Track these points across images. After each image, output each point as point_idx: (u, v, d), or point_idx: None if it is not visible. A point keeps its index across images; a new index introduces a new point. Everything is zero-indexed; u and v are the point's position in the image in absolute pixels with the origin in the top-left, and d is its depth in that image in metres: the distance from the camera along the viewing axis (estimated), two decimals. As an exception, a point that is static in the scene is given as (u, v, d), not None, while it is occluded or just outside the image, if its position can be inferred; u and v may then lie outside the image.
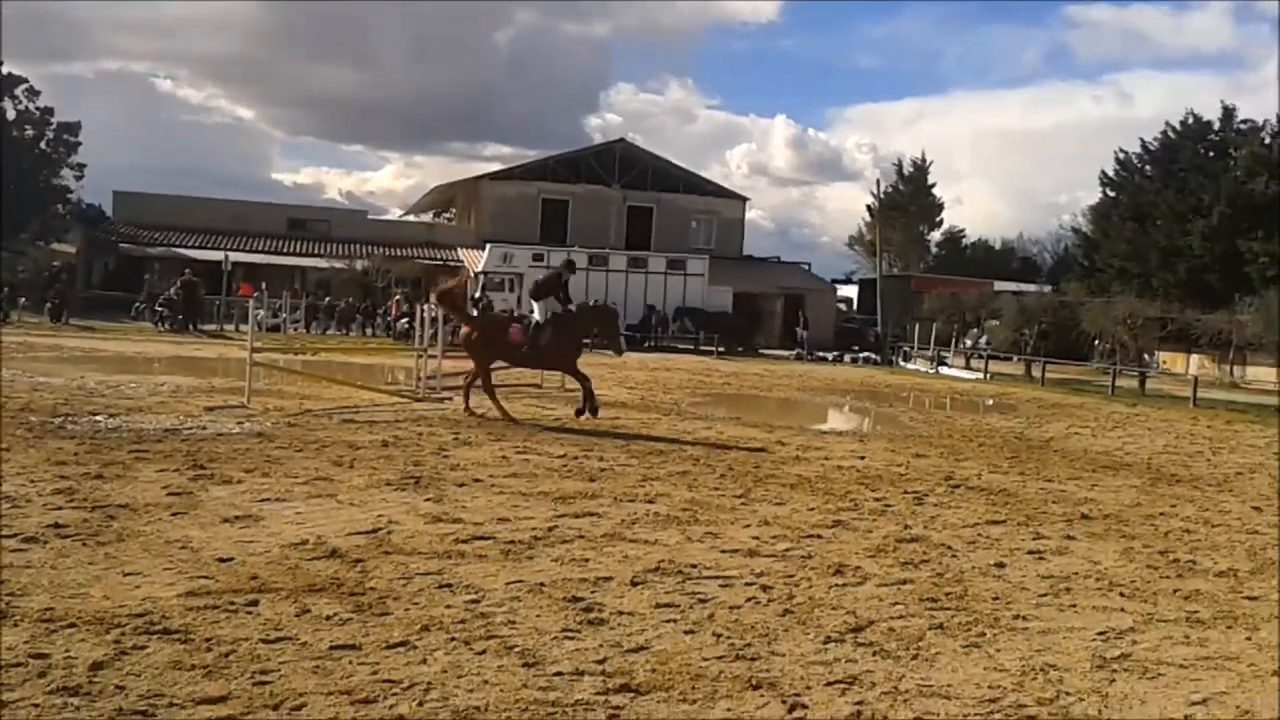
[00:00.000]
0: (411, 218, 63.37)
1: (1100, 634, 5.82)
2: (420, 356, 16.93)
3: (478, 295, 38.89)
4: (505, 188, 50.78)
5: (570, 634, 5.24)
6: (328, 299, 39.45)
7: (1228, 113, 53.33)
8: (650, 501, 8.78)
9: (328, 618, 5.22)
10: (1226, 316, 34.53)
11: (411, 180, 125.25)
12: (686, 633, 5.40)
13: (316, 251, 46.28)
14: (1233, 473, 13.24)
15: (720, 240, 51.80)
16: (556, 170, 51.23)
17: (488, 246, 42.58)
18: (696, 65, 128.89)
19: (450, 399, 15.47)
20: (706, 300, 41.61)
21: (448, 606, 5.54)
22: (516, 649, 4.95)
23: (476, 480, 9.25)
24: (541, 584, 6.07)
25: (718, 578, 6.49)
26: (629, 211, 51.19)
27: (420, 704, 4.26)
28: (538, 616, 5.48)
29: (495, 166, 60.53)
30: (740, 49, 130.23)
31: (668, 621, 5.56)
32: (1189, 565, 7.72)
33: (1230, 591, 7.00)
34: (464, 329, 14.79)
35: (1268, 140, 50.56)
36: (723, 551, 7.18)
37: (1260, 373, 36.11)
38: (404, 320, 31.96)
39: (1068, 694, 4.85)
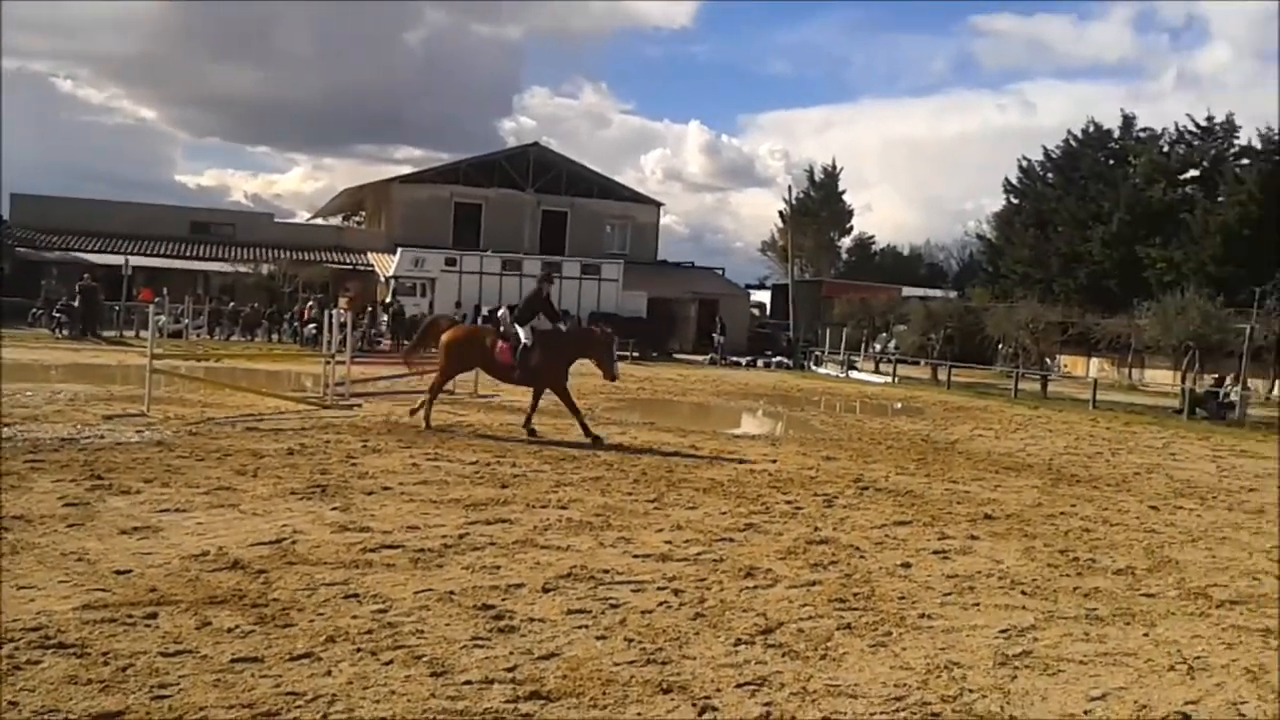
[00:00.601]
0: (320, 221, 62.33)
1: (1003, 631, 5.95)
2: (328, 363, 16.63)
3: (388, 300, 38.40)
4: (417, 191, 50.20)
5: (480, 642, 5.19)
6: (232, 304, 38.46)
7: (1127, 121, 55.29)
8: (563, 507, 8.75)
9: (229, 630, 5.09)
10: (1125, 321, 35.65)
11: (320, 183, 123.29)
12: (598, 638, 5.38)
13: (221, 255, 45.16)
14: (1130, 473, 13.67)
15: (635, 245, 51.92)
16: (469, 174, 50.81)
17: (399, 250, 42.09)
18: (610, 69, 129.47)
19: (360, 405, 15.22)
20: (621, 305, 41.68)
21: (354, 617, 5.44)
22: (425, 658, 4.89)
23: (385, 488, 9.11)
24: (451, 592, 6.00)
25: (630, 582, 6.48)
26: (543, 216, 51.01)
27: (324, 716, 4.18)
28: (447, 625, 5.42)
29: (407, 169, 60.13)
30: (654, 54, 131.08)
31: (579, 627, 5.54)
32: (1088, 563, 7.94)
33: (1128, 589, 7.21)
34: (445, 334, 13.93)
35: (1165, 148, 52.48)
36: (635, 556, 7.18)
37: (1157, 375, 37.40)
38: (311, 326, 31.34)
39: (971, 691, 4.95)
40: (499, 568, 6.65)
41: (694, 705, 4.56)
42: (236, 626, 5.14)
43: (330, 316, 17.37)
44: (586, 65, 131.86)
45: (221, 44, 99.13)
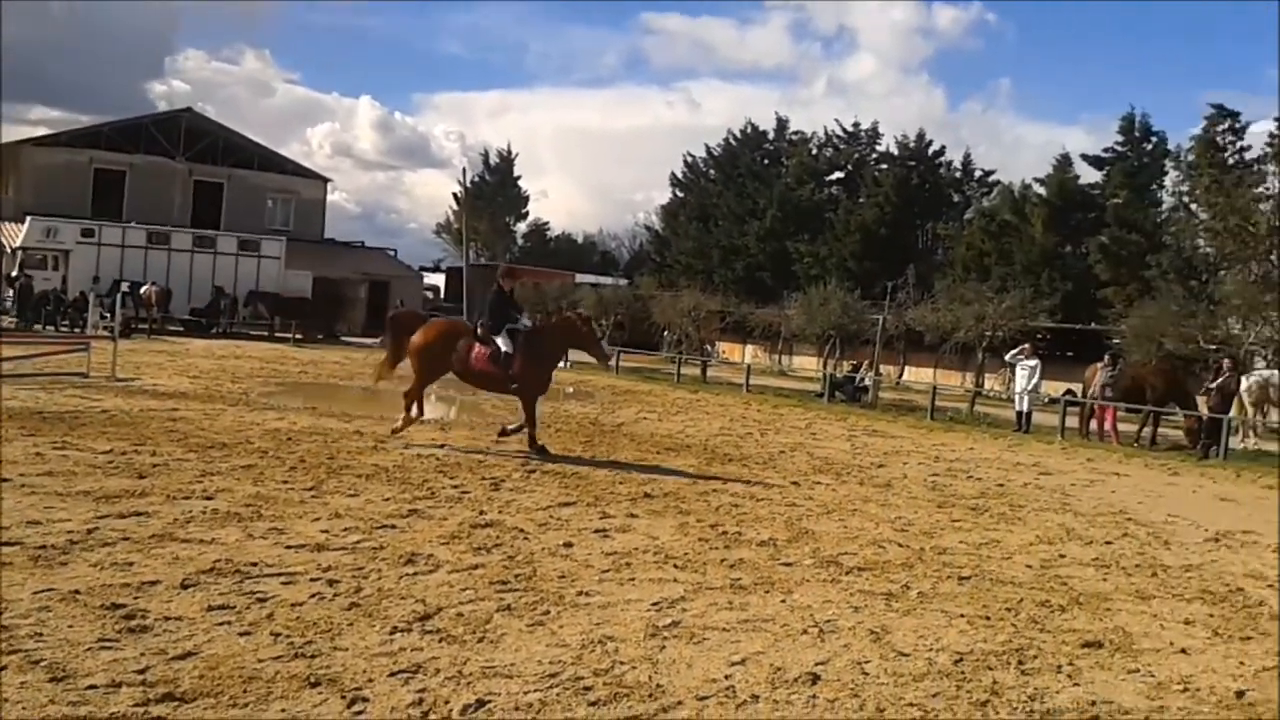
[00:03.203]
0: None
1: (655, 604, 6.18)
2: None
3: (14, 274, 34.53)
4: (51, 155, 45.31)
5: (107, 644, 4.79)
6: None
7: (781, 124, 59.36)
8: (209, 498, 8.20)
9: None
10: (776, 311, 38.25)
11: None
12: (241, 634, 5.09)
13: None
14: (777, 452, 14.64)
15: (299, 221, 49.44)
16: (112, 138, 46.49)
17: (28, 219, 37.83)
18: (274, 37, 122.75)
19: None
20: (283, 284, 39.41)
21: (-46, 625, 4.82)
22: (43, 663, 4.47)
23: (4, 480, 8.16)
24: (76, 591, 5.49)
25: (280, 575, 6.17)
26: (196, 186, 47.52)
27: (-94, 742, 3.66)
28: (70, 627, 4.96)
29: (41, 131, 54.09)
30: (322, 23, 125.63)
31: (221, 624, 5.22)
32: (735, 536, 8.41)
33: (770, 559, 7.70)
34: (416, 336, 12.53)
35: (814, 151, 56.79)
36: (288, 547, 6.85)
37: (804, 361, 40.44)
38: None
39: (622, 663, 5.09)
40: (132, 564, 6.14)
41: (343, 698, 4.40)
42: None
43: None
44: (247, 30, 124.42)
45: None
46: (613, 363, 33.61)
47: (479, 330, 12.22)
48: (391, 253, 53.27)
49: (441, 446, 12.16)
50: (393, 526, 7.74)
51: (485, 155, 73.28)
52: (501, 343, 11.94)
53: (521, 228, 74.44)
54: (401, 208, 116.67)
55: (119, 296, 24.22)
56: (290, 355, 28.48)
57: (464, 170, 58.17)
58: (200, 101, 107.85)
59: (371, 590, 6.00)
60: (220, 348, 28.67)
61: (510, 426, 12.43)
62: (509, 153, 72.84)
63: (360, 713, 4.29)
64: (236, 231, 42.01)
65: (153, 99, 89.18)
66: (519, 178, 73.17)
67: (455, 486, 9.61)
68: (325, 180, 53.42)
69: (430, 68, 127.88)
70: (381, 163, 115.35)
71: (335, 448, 11.35)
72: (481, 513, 8.52)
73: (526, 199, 73.97)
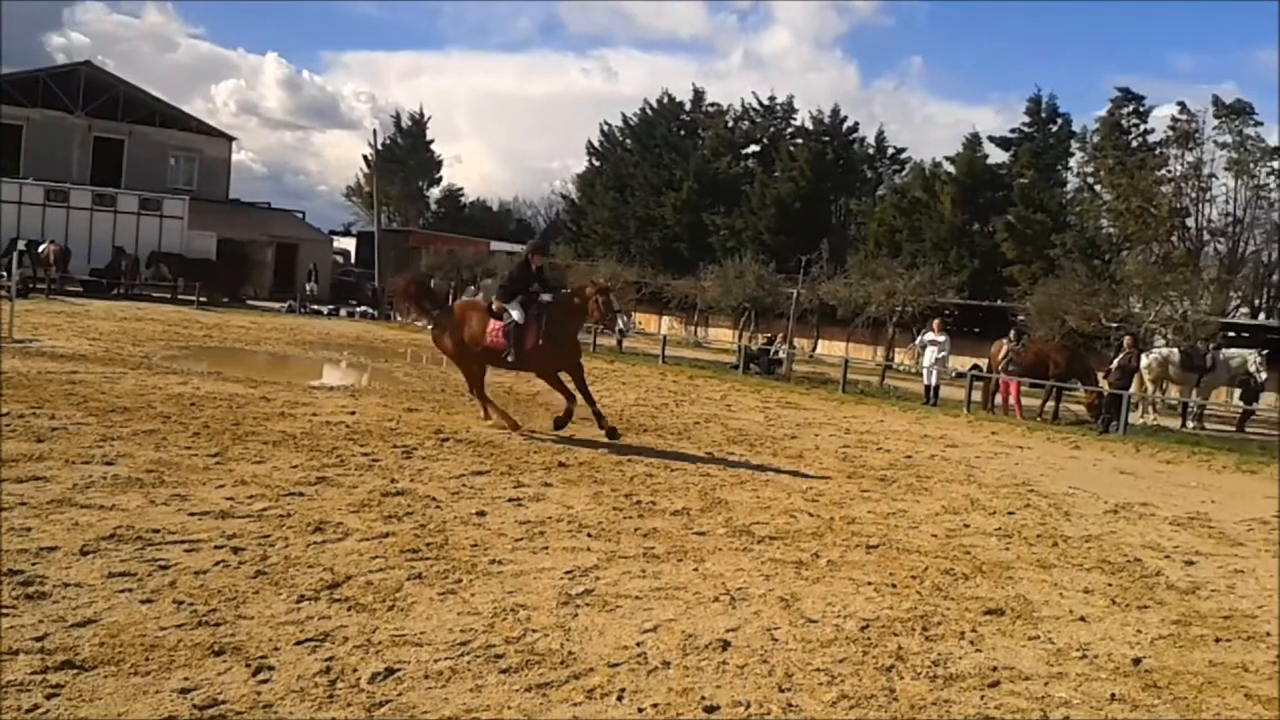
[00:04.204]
0: None
1: (568, 573, 6.17)
2: None
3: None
4: (-58, 107, 43.34)
5: (4, 610, 4.66)
6: None
7: (698, 95, 59.49)
8: (109, 463, 7.95)
9: None
10: (693, 282, 38.40)
11: None
12: (143, 602, 4.97)
13: None
14: (692, 423, 14.72)
15: (203, 181, 48.01)
16: (8, 91, 44.36)
17: (-82, 174, 36.18)
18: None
19: None
20: (187, 245, 38.23)
21: None
22: (-72, 634, 4.27)
23: (-115, 444, 7.81)
24: (-32, 558, 5.27)
25: (183, 542, 6.01)
26: (95, 143, 45.83)
27: None
28: (-40, 597, 4.75)
29: (-69, 82, 51.47)
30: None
31: (122, 591, 5.08)
32: (649, 506, 8.44)
33: (683, 528, 7.74)
34: (434, 331, 12.21)
35: (731, 124, 56.98)
36: (191, 514, 6.67)
37: (719, 333, 40.71)
38: None
39: (534, 631, 5.07)
40: (29, 530, 5.93)
41: (248, 666, 4.31)
42: None
43: None
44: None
45: None
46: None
47: (492, 305, 11.85)
48: (299, 215, 52.12)
49: (352, 414, 11.94)
50: (300, 494, 7.59)
51: (397, 118, 72.28)
52: (514, 313, 11.49)
53: (435, 193, 73.65)
54: (310, 169, 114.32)
55: (15, 255, 23.30)
56: (194, 318, 27.72)
57: (375, 132, 57.25)
58: (100, 55, 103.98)
59: (278, 558, 5.88)
60: (121, 309, 27.78)
61: (565, 417, 11.75)
62: (421, 116, 71.86)
63: (265, 681, 4.20)
64: (138, 190, 40.57)
65: (50, 51, 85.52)
66: (432, 142, 72.26)
67: (366, 454, 9.46)
68: (230, 139, 51.98)
69: (340, 25, 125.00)
70: (289, 122, 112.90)
71: (241, 413, 11.08)
72: (393, 481, 8.40)
73: (440, 164, 73.15)
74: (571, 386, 11.85)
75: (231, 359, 18.23)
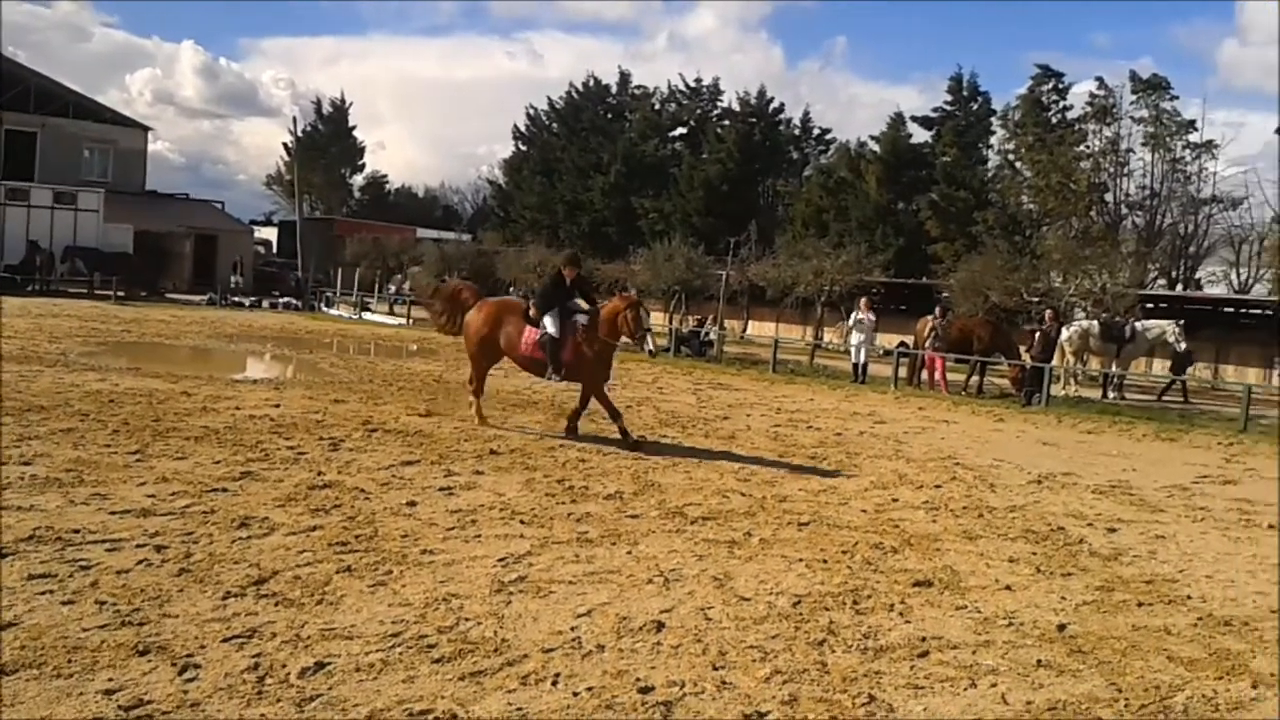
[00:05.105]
0: None
1: (500, 560, 6.14)
2: None
3: None
4: None
5: (-84, 620, 4.48)
6: None
7: (624, 78, 59.20)
8: (26, 463, 7.73)
9: None
10: (622, 266, 38.31)
11: None
12: (65, 603, 4.87)
13: None
14: (624, 407, 14.63)
15: (119, 173, 46.64)
16: (-89, 84, 42.93)
17: None
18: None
19: None
20: (103, 239, 37.21)
21: None
22: None
23: None
24: (-125, 566, 5.09)
25: (104, 541, 5.88)
26: (6, 136, 44.21)
27: None
28: None
29: None
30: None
31: (42, 593, 4.98)
32: (582, 491, 8.43)
33: (616, 512, 7.75)
34: (471, 315, 11.59)
35: (657, 106, 56.90)
36: (112, 513, 6.52)
37: (650, 316, 40.68)
38: None
39: (467, 619, 5.05)
40: (-61, 536, 5.73)
41: (174, 665, 4.24)
42: None
43: None
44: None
45: None
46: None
47: (529, 312, 11.47)
48: (219, 205, 50.88)
49: (277, 407, 11.72)
50: (224, 490, 7.45)
51: (317, 104, 70.72)
52: (550, 325, 11.14)
53: (358, 180, 72.40)
54: (229, 158, 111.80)
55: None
56: (112, 313, 27.02)
57: (295, 119, 55.88)
58: (10, 46, 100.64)
59: (202, 555, 5.77)
60: (36, 306, 26.98)
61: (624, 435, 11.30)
62: (343, 102, 70.49)
63: (192, 680, 4.13)
64: (51, 183, 39.41)
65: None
66: (354, 128, 70.98)
67: (291, 448, 9.31)
68: (146, 129, 50.56)
69: (258, 12, 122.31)
70: (206, 111, 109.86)
71: (161, 409, 10.83)
72: (319, 474, 8.28)
73: (363, 150, 71.88)
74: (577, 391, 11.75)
75: (151, 354, 17.80)
